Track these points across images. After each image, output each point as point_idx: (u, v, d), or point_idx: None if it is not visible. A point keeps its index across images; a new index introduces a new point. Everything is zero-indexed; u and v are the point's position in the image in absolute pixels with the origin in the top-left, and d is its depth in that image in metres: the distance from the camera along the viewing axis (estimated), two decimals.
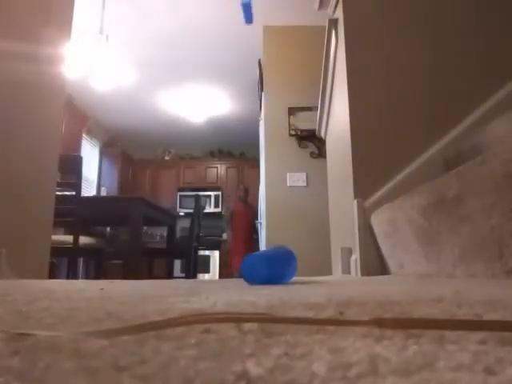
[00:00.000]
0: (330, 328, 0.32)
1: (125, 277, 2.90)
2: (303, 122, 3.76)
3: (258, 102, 4.91)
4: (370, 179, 1.68)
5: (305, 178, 3.71)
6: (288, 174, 3.73)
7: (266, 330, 0.32)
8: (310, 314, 0.41)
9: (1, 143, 1.64)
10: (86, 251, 3.45)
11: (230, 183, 7.38)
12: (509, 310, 0.40)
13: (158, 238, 7.01)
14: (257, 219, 4.86)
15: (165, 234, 5.37)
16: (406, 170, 1.66)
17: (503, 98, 1.64)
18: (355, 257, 1.65)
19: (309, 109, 3.72)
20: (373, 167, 1.70)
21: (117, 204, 3.47)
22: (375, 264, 1.56)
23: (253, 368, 0.21)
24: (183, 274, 5.28)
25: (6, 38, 1.68)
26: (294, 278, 1.17)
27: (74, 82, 4.45)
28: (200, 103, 6.07)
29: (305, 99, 3.74)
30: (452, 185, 1.03)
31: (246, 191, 5.69)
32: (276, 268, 1.06)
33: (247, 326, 0.33)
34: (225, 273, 6.45)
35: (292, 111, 3.81)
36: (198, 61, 4.91)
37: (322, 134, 2.74)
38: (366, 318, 0.33)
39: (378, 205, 1.59)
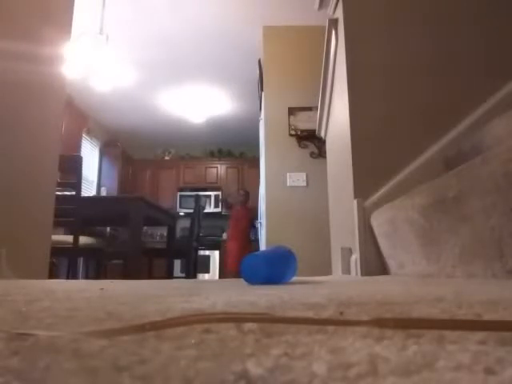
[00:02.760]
0: (330, 328, 0.32)
1: (125, 277, 2.90)
2: (303, 122, 3.76)
3: (258, 101, 4.91)
4: (370, 179, 1.68)
5: (305, 177, 3.72)
6: (288, 173, 3.73)
7: (266, 330, 0.31)
8: (310, 314, 0.41)
9: (1, 143, 1.64)
10: (86, 251, 3.45)
11: (230, 183, 7.38)
12: (509, 310, 0.40)
13: (158, 237, 7.01)
14: (256, 219, 4.87)
15: (165, 234, 5.38)
16: (406, 170, 1.66)
17: (503, 98, 1.64)
18: (355, 257, 1.65)
19: (309, 109, 3.72)
20: (373, 167, 1.70)
21: (117, 204, 3.47)
22: (375, 264, 1.56)
23: (253, 368, 0.21)
24: (183, 274, 5.29)
25: (5, 38, 1.68)
26: (294, 278, 1.17)
27: (74, 82, 4.45)
28: (200, 103, 6.07)
29: (305, 99, 3.74)
30: (452, 185, 1.03)
31: (247, 195, 5.82)
32: (275, 268, 1.06)
33: (247, 326, 0.33)
34: (223, 273, 6.46)
35: (292, 111, 3.81)
36: (198, 61, 4.91)
37: (322, 134, 2.74)
38: (365, 318, 0.33)
39: (378, 205, 1.59)
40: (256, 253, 1.14)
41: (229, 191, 7.05)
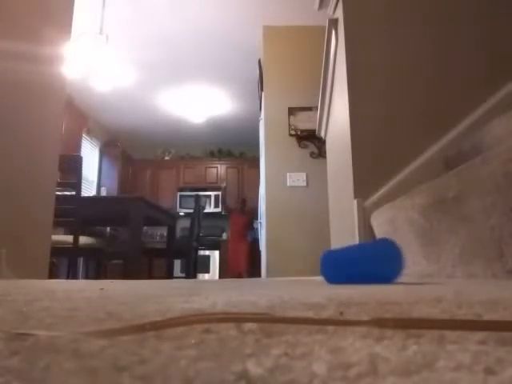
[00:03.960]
0: (330, 328, 0.32)
1: (125, 277, 2.90)
2: (303, 122, 3.76)
3: (258, 101, 4.91)
4: (370, 179, 1.68)
5: (305, 177, 3.72)
6: (288, 173, 3.73)
7: (266, 329, 0.31)
8: (310, 314, 0.41)
9: (1, 143, 1.64)
10: (86, 251, 3.45)
11: (230, 183, 7.38)
12: (509, 310, 0.40)
13: (158, 237, 7.01)
14: (256, 219, 4.88)
15: (165, 234, 5.38)
16: (406, 170, 1.66)
17: (503, 98, 1.64)
18: None
19: (309, 109, 3.72)
20: (373, 167, 1.70)
21: (117, 204, 3.47)
22: None
23: (253, 368, 0.21)
24: (183, 274, 5.29)
25: (5, 38, 1.68)
26: (401, 278, 0.97)
27: (74, 82, 4.45)
28: (200, 103, 6.07)
29: (305, 99, 3.74)
30: (452, 185, 1.03)
31: (244, 202, 6.22)
32: (363, 265, 0.91)
33: (247, 325, 0.33)
34: (223, 273, 6.46)
35: (292, 111, 3.81)
36: (198, 61, 4.91)
37: (322, 134, 2.74)
38: (365, 318, 0.33)
39: (378, 205, 1.59)
40: (339, 248, 1.02)
41: (229, 195, 7.11)
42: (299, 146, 3.78)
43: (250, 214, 6.02)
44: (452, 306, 0.43)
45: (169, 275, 4.10)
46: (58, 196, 2.16)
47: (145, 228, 6.36)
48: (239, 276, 5.41)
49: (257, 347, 0.26)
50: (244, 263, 5.64)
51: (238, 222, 6.00)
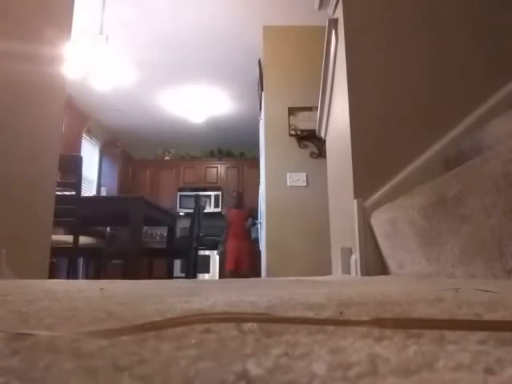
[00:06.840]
0: (330, 328, 0.32)
1: (125, 277, 2.90)
2: (303, 121, 3.76)
3: (258, 101, 4.91)
4: (370, 179, 1.68)
5: (305, 177, 3.72)
6: (288, 173, 3.73)
7: (266, 329, 0.31)
8: (310, 314, 0.41)
9: (1, 143, 1.64)
10: (86, 251, 3.45)
11: (230, 183, 7.39)
12: (509, 310, 0.40)
13: (157, 237, 7.01)
14: (257, 219, 4.87)
15: (165, 234, 5.38)
16: (406, 170, 1.66)
17: (503, 98, 1.64)
18: (355, 257, 1.65)
19: (309, 109, 3.72)
20: (373, 167, 1.70)
21: (117, 204, 3.47)
22: (375, 264, 1.56)
23: (253, 368, 0.21)
24: (183, 274, 5.29)
25: (5, 38, 1.68)
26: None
27: (74, 82, 4.45)
28: (200, 103, 6.07)
29: (305, 99, 3.74)
30: (452, 185, 1.03)
31: (240, 197, 5.84)
32: None
33: (247, 326, 0.33)
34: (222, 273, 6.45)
35: (292, 111, 3.81)
36: (198, 61, 4.91)
37: (322, 134, 2.74)
38: (365, 318, 0.33)
39: (378, 205, 1.59)
40: None
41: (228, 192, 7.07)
42: (299, 146, 3.78)
43: (248, 210, 5.71)
44: (452, 306, 0.43)
45: (169, 275, 4.10)
46: (58, 196, 2.16)
47: (145, 228, 6.36)
48: (240, 276, 5.38)
49: (257, 347, 0.26)
50: (247, 262, 5.53)
51: (236, 218, 5.67)
